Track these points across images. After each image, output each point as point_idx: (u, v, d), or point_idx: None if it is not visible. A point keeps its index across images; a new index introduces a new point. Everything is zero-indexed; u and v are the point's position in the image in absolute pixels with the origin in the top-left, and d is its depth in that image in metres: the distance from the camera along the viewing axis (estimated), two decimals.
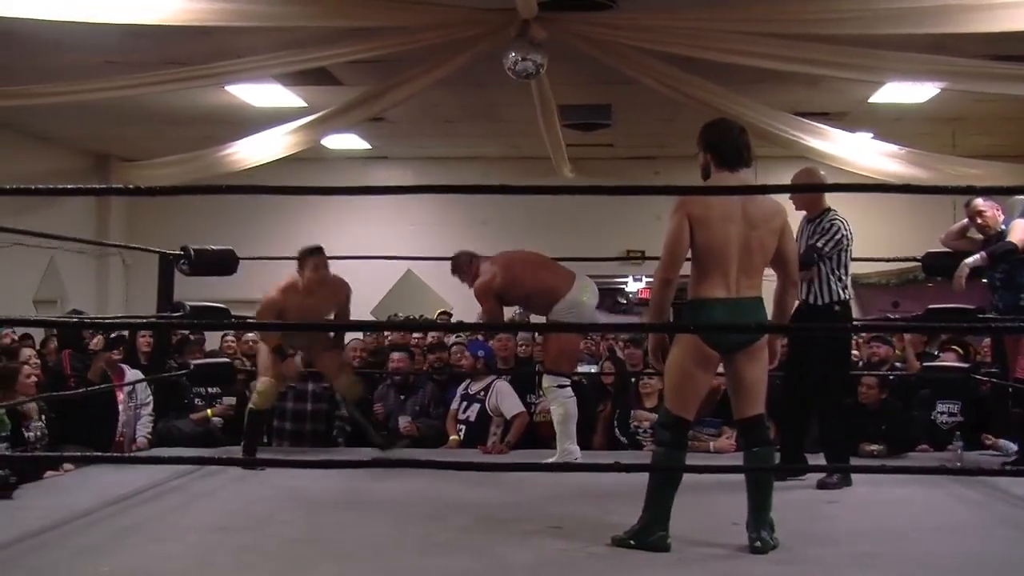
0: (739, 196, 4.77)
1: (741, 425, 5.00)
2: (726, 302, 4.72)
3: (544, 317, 7.26)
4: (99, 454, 6.77)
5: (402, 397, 8.38)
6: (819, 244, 6.41)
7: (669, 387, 4.92)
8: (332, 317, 7.55)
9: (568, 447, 7.03)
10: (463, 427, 8.06)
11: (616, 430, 8.07)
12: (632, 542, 4.77)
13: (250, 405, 7.30)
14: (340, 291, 7.52)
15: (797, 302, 6.32)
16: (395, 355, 8.70)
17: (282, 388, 7.51)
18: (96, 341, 7.74)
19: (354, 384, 7.56)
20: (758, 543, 4.68)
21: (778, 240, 4.85)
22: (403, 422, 8.14)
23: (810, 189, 6.50)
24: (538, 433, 8.07)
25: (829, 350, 6.43)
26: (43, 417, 6.94)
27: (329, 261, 7.36)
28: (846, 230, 6.53)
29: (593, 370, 9.09)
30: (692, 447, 7.47)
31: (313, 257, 7.19)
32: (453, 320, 11.97)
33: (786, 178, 5.99)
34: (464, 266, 7.47)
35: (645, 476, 5.87)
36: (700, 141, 5.01)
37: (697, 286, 4.79)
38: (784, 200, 5.07)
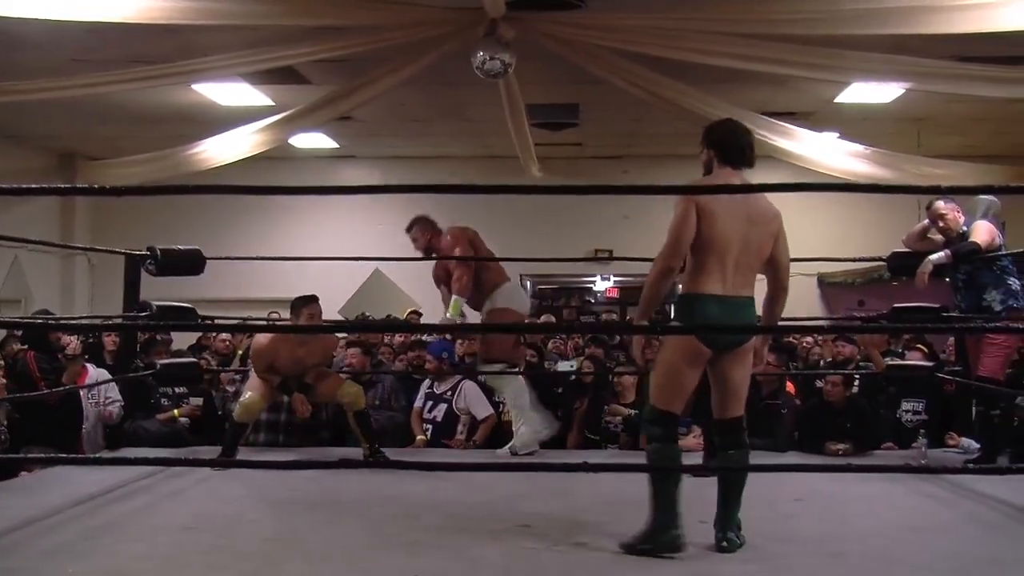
0: (743, 195, 4.78)
1: (720, 425, 4.94)
2: (722, 299, 4.69)
3: (481, 306, 7.62)
4: (67, 455, 6.73)
5: None
6: None
7: (658, 383, 4.84)
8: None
9: (522, 429, 7.41)
10: (429, 427, 8.04)
11: (586, 430, 8.10)
12: (645, 547, 4.65)
13: (234, 415, 7.31)
14: (331, 343, 7.72)
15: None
16: (350, 351, 8.70)
17: (266, 406, 7.46)
18: (74, 346, 7.68)
19: (358, 392, 7.38)
20: (724, 543, 4.70)
21: (773, 243, 4.85)
22: None
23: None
24: (506, 432, 8.09)
25: None
26: (5, 420, 6.89)
27: (301, 262, 7.35)
28: None
29: (571, 367, 9.13)
30: None
31: (307, 307, 7.19)
32: (423, 320, 11.95)
33: (753, 177, 6.01)
34: (423, 227, 7.90)
35: (611, 475, 5.92)
36: (703, 138, 4.98)
37: (693, 280, 4.75)
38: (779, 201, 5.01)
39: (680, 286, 4.86)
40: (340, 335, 9.38)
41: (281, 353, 7.17)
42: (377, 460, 7.11)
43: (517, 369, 7.77)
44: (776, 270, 4.94)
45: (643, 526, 4.68)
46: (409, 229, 7.99)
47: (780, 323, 6.26)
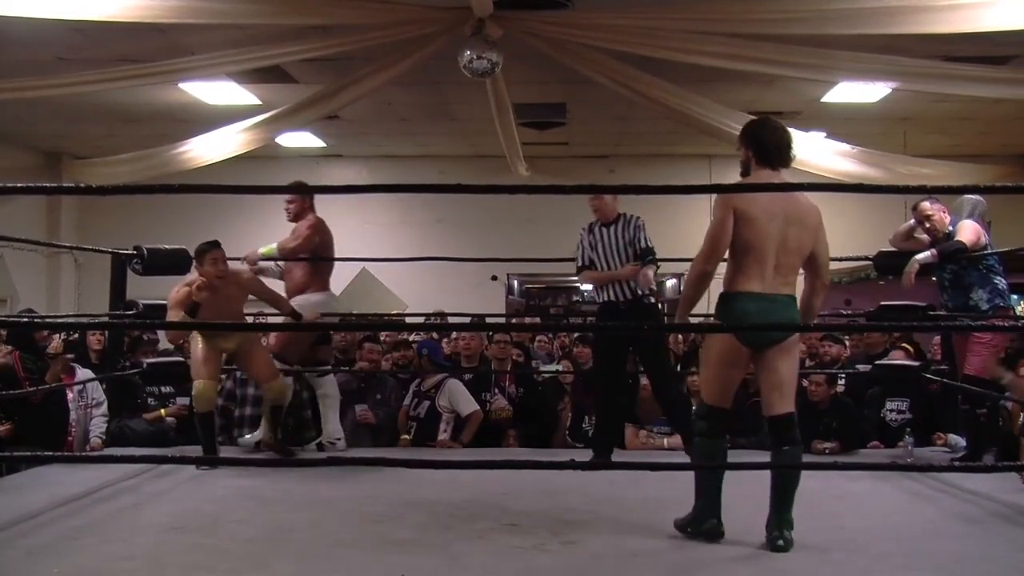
0: (780, 194, 4.86)
1: (771, 422, 4.87)
2: (760, 297, 4.75)
3: (291, 292, 7.74)
4: (52, 454, 6.70)
5: (362, 385, 8.34)
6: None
7: (706, 380, 4.98)
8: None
9: (336, 427, 7.62)
10: (413, 424, 8.03)
11: (568, 436, 8.08)
12: (688, 529, 4.88)
13: (196, 410, 7.06)
14: (247, 283, 7.35)
15: (621, 299, 7.10)
16: (368, 345, 8.63)
17: (218, 387, 7.26)
18: (55, 344, 7.64)
19: (284, 390, 7.24)
20: (780, 542, 4.69)
21: (814, 239, 4.94)
22: (359, 410, 8.12)
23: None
24: (494, 430, 8.11)
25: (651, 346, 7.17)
26: None
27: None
28: None
29: (558, 369, 9.12)
30: (647, 444, 7.55)
31: (210, 252, 6.97)
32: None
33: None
34: (304, 198, 8.04)
35: (598, 475, 5.93)
36: (742, 137, 5.05)
37: (732, 280, 4.83)
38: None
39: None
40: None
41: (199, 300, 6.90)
42: (281, 451, 7.21)
43: (327, 367, 7.85)
44: (815, 266, 5.01)
45: (690, 510, 4.89)
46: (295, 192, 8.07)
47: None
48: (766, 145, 4.93)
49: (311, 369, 7.72)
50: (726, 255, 4.83)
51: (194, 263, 7.09)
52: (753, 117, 5.39)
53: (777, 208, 4.79)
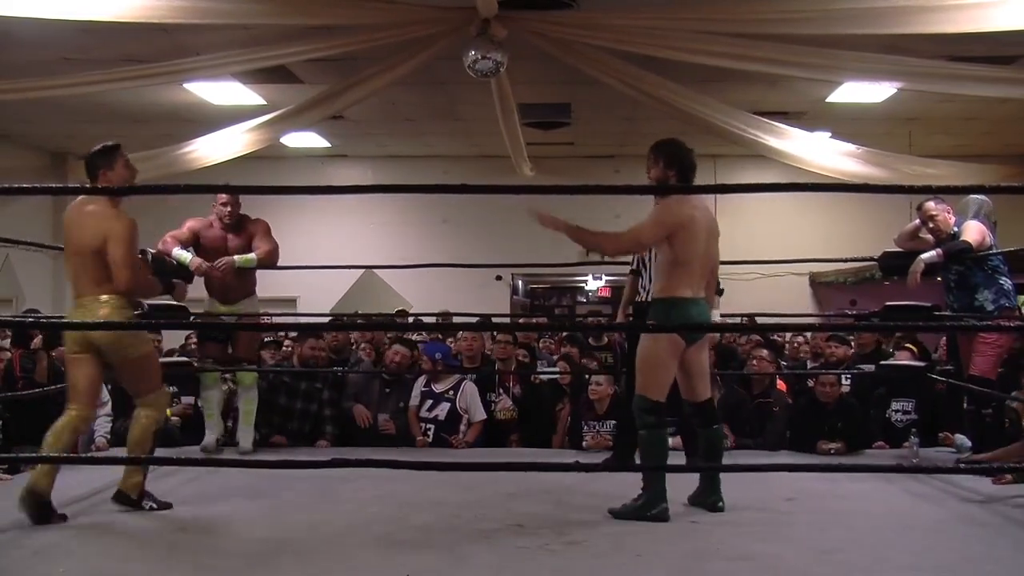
0: (703, 212, 5.46)
1: (696, 407, 5.63)
2: (694, 301, 5.35)
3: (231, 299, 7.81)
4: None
5: (387, 391, 8.36)
6: None
7: (649, 378, 5.36)
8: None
9: (251, 432, 7.78)
10: (431, 426, 8.03)
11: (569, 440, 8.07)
12: (636, 516, 5.23)
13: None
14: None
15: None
16: (397, 347, 8.47)
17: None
18: (36, 340, 7.66)
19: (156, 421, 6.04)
20: (720, 504, 5.43)
21: (718, 249, 5.66)
22: (381, 419, 8.13)
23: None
24: (499, 431, 8.11)
25: None
26: None
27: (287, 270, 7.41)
28: None
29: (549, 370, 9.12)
30: None
31: (120, 152, 5.89)
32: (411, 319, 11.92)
33: (745, 177, 6.04)
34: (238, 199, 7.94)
35: (602, 475, 5.95)
36: (660, 159, 5.58)
37: (670, 286, 5.39)
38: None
39: (652, 292, 5.71)
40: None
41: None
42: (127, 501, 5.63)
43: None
44: (714, 270, 5.71)
45: (635, 497, 5.29)
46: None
47: (770, 322, 6.57)
48: (686, 165, 5.50)
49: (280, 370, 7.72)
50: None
51: (100, 172, 6.03)
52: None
53: (704, 226, 5.40)
